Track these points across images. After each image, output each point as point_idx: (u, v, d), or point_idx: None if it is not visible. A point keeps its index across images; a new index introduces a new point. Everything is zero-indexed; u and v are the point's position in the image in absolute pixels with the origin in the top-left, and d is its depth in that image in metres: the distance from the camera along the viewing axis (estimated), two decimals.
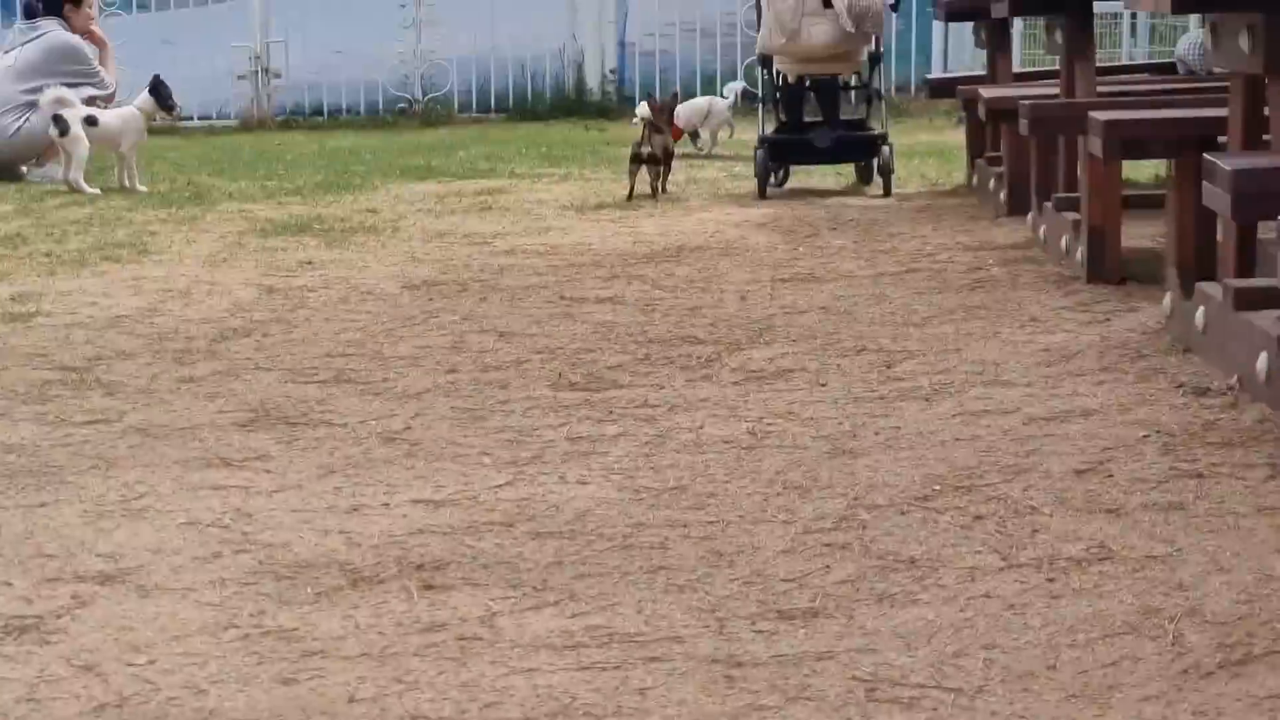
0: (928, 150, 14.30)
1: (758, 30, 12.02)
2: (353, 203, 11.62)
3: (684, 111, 14.41)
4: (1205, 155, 6.34)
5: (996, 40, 11.83)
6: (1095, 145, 7.58)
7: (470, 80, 19.34)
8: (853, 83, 12.02)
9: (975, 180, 11.60)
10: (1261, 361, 5.87)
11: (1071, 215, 8.42)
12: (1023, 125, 8.87)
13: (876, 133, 11.81)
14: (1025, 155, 9.74)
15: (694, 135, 14.65)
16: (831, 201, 11.34)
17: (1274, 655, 3.97)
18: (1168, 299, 7.02)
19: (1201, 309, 6.54)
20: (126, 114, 13.12)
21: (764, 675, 3.87)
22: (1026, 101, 8.96)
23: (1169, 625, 4.06)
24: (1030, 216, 9.52)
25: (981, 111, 10.63)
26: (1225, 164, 5.61)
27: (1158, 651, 3.95)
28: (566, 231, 10.18)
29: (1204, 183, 6.14)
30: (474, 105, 19.22)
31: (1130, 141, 7.48)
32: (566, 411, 6.13)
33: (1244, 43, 3.53)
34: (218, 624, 4.16)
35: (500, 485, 5.26)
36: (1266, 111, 6.41)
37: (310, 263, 9.27)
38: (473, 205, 11.49)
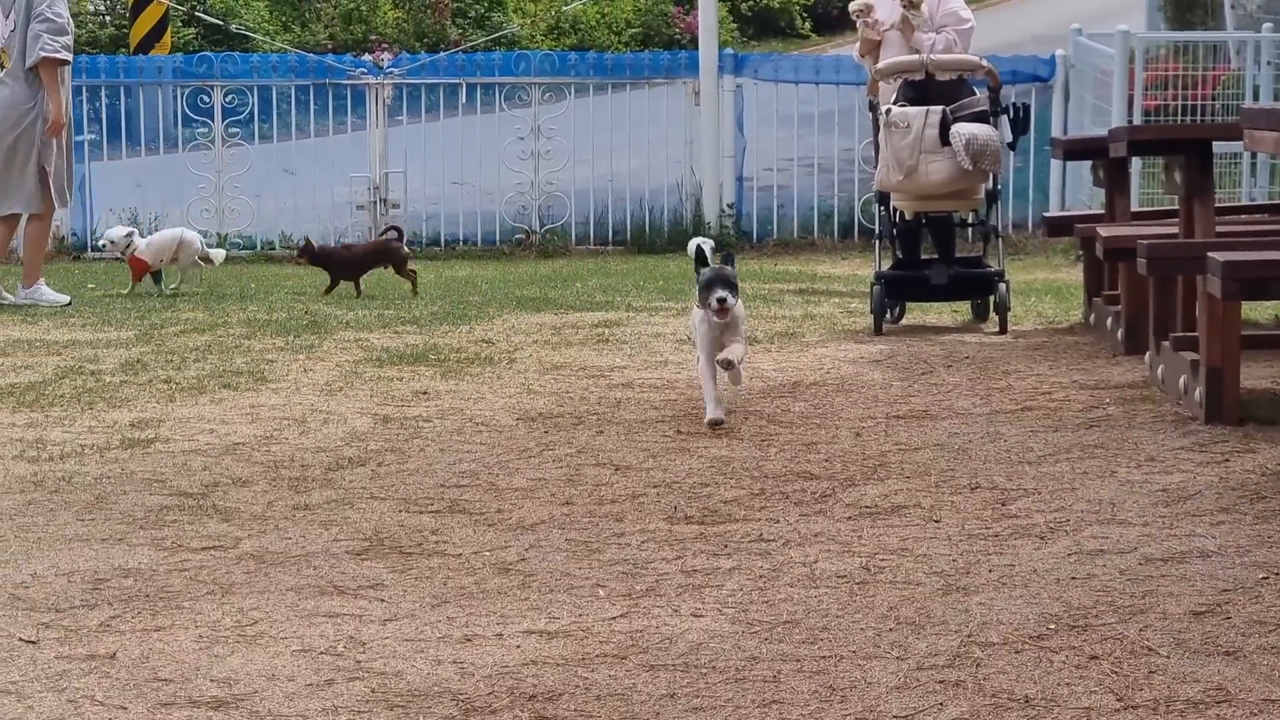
0: (1044, 288, 14.28)
1: (875, 167, 12.06)
2: (468, 333, 11.66)
3: (154, 244, 14.71)
4: None
5: (1114, 179, 11.82)
6: (1214, 285, 7.56)
7: (588, 212, 19.43)
8: (970, 220, 12.03)
9: (1092, 318, 11.57)
10: None
11: (1190, 355, 8.36)
12: (1141, 264, 8.87)
13: (993, 270, 11.80)
14: (1143, 294, 9.71)
15: (156, 275, 14.60)
16: (947, 338, 11.34)
17: None
18: None
19: None
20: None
21: None
22: (1145, 241, 8.96)
23: None
24: (1148, 356, 9.47)
25: (1099, 250, 10.63)
26: None
27: None
28: (683, 366, 10.18)
29: None
30: (591, 237, 19.28)
31: (1250, 282, 7.46)
32: (681, 545, 6.15)
33: None
34: None
35: (614, 617, 5.26)
36: None
37: (425, 393, 9.33)
38: (589, 337, 11.53)
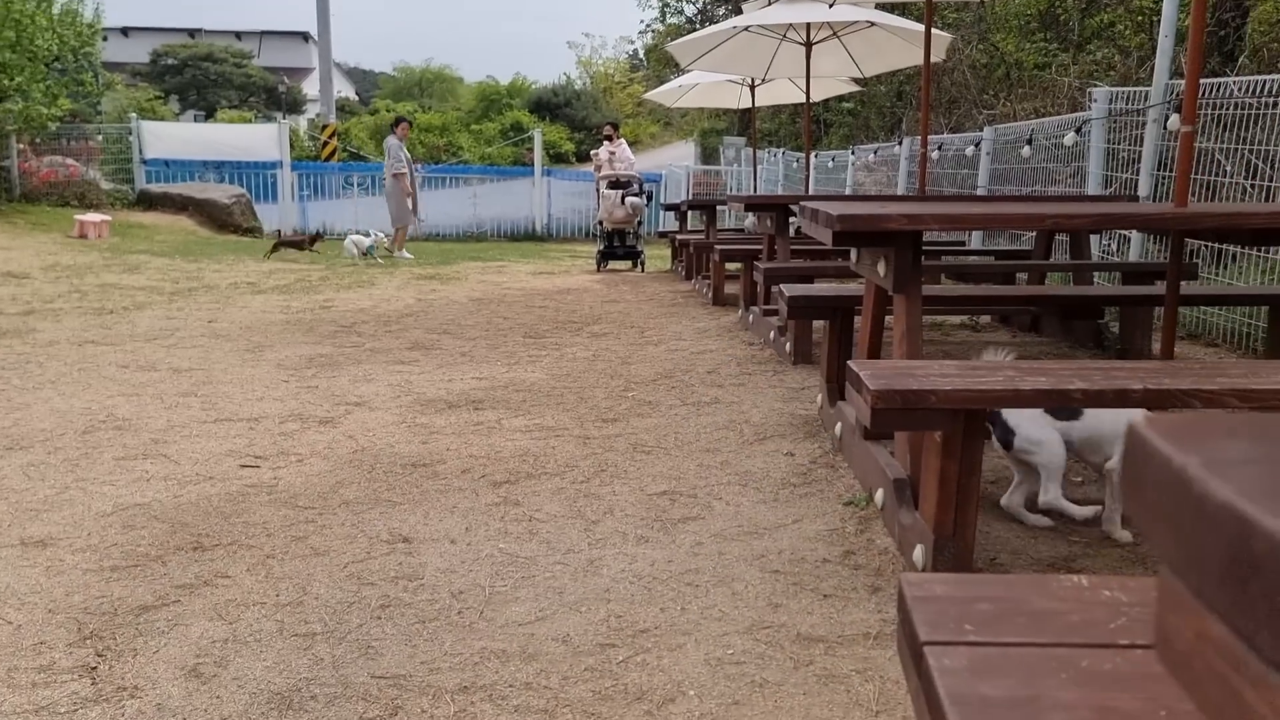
0: (656, 256, 14.40)
1: (597, 209, 12.19)
2: (451, 269, 11.60)
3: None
4: (755, 264, 6.38)
5: (683, 218, 12.06)
6: (716, 255, 7.80)
7: (497, 225, 18.99)
8: (632, 229, 12.17)
9: (674, 267, 11.80)
10: (776, 334, 6.02)
11: (707, 279, 8.62)
12: (692, 249, 9.09)
13: (640, 248, 11.96)
14: (692, 260, 9.94)
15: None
16: (623, 274, 11.47)
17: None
18: (740, 312, 7.21)
19: (750, 315, 6.73)
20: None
21: (599, 440, 4.12)
22: (686, 238, 9.14)
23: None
24: (695, 280, 9.71)
25: (677, 243, 10.82)
26: (765, 268, 5.68)
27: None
28: (530, 280, 10.29)
29: (753, 268, 6.22)
30: (499, 235, 18.75)
31: (725, 254, 7.70)
32: (528, 344, 6.26)
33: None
34: (399, 421, 4.35)
35: (504, 372, 5.41)
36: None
37: (434, 289, 9.33)
38: (495, 270, 11.53)
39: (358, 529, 3.01)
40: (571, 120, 38.57)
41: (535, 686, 2.07)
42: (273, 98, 41.59)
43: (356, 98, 49.33)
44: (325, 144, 20.30)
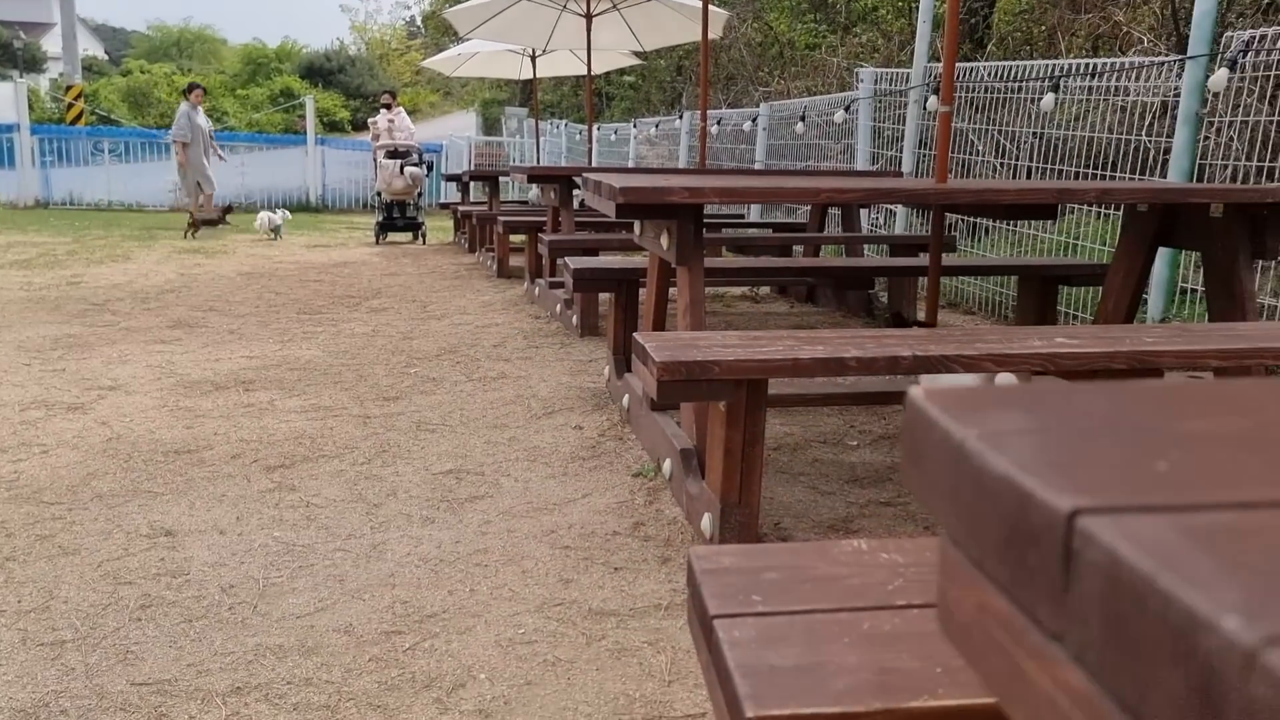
0: (438, 228, 14.18)
1: (375, 179, 11.82)
2: (217, 242, 11.00)
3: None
4: (540, 237, 6.38)
5: (465, 189, 11.88)
6: (500, 226, 7.74)
7: (270, 196, 18.19)
8: (411, 200, 11.87)
9: (458, 239, 11.62)
10: (546, 287, 6.03)
11: (491, 252, 8.52)
12: (476, 221, 8.95)
13: (420, 220, 11.71)
14: (475, 231, 9.81)
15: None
16: (404, 246, 11.22)
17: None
18: (526, 285, 7.19)
19: (536, 287, 6.72)
20: None
21: (380, 419, 4.01)
22: (469, 209, 9.03)
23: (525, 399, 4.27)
24: (479, 253, 9.60)
25: (459, 215, 10.63)
26: (545, 241, 5.70)
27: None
28: (304, 253, 9.88)
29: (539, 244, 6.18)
30: (269, 206, 18.01)
31: (509, 226, 7.65)
32: (303, 321, 6.02)
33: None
34: (160, 405, 4.11)
35: (276, 350, 5.19)
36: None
37: (199, 264, 8.81)
38: (263, 242, 11.00)
39: (113, 524, 2.79)
40: (346, 87, 37.17)
41: (316, 682, 1.98)
42: (7, 54, 37.95)
43: (106, 57, 45.76)
44: (70, 106, 18.66)
